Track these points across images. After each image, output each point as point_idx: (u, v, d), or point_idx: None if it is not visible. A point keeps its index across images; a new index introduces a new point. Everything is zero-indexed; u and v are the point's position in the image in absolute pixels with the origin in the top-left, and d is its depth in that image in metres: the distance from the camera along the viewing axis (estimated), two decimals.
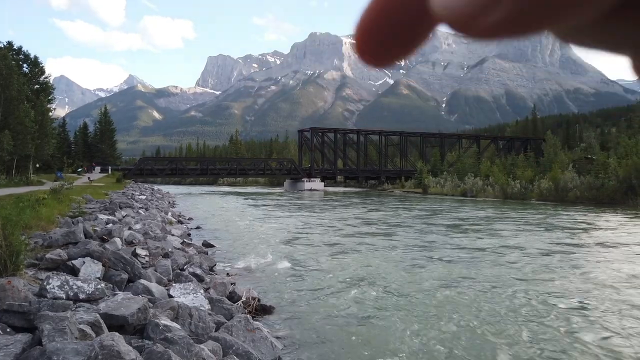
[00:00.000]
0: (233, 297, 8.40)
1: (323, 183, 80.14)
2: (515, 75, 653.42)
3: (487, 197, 50.58)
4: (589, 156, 60.35)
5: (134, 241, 11.59)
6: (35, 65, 45.99)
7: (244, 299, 8.25)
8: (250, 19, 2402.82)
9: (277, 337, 6.68)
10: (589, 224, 24.06)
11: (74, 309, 5.09)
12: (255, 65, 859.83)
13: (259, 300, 8.46)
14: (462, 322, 7.73)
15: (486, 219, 26.45)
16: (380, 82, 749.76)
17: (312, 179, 78.05)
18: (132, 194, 35.71)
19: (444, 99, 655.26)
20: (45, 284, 5.47)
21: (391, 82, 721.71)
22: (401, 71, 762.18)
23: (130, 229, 13.56)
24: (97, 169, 72.05)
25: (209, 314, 6.46)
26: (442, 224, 23.51)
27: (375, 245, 16.36)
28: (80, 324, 4.56)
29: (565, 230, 20.93)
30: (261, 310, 8.24)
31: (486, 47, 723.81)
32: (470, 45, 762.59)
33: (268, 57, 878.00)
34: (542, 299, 9.14)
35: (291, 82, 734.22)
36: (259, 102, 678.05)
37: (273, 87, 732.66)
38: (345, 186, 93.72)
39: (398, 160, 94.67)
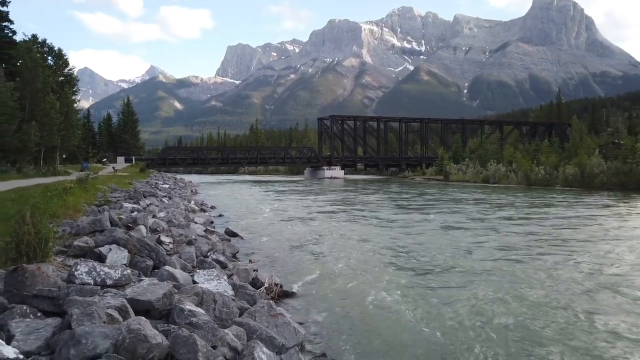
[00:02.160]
0: (256, 283, 8.48)
1: (343, 171, 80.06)
2: (539, 59, 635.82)
3: (510, 184, 49.78)
4: (616, 141, 58.79)
5: (158, 229, 11.76)
6: (60, 57, 46.72)
7: (266, 285, 8.31)
8: (267, 7, 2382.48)
9: (300, 323, 6.71)
10: (617, 209, 23.49)
11: (101, 294, 5.20)
12: (275, 54, 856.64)
13: (281, 286, 8.53)
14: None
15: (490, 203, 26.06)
16: (400, 68, 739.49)
17: (332, 167, 78.06)
18: (156, 183, 36.23)
19: (466, 84, 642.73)
20: (73, 270, 5.60)
21: (411, 68, 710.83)
22: (421, 57, 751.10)
23: (154, 217, 13.76)
24: (121, 158, 73.14)
25: (233, 300, 6.53)
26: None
27: (400, 231, 16.27)
28: (107, 308, 4.65)
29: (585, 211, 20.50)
30: (283, 295, 8.31)
31: (509, 30, 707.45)
32: (493, 29, 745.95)
33: (287, 45, 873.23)
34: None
35: (310, 70, 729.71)
36: (279, 91, 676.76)
37: (292, 76, 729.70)
38: (365, 174, 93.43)
39: (419, 147, 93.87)
